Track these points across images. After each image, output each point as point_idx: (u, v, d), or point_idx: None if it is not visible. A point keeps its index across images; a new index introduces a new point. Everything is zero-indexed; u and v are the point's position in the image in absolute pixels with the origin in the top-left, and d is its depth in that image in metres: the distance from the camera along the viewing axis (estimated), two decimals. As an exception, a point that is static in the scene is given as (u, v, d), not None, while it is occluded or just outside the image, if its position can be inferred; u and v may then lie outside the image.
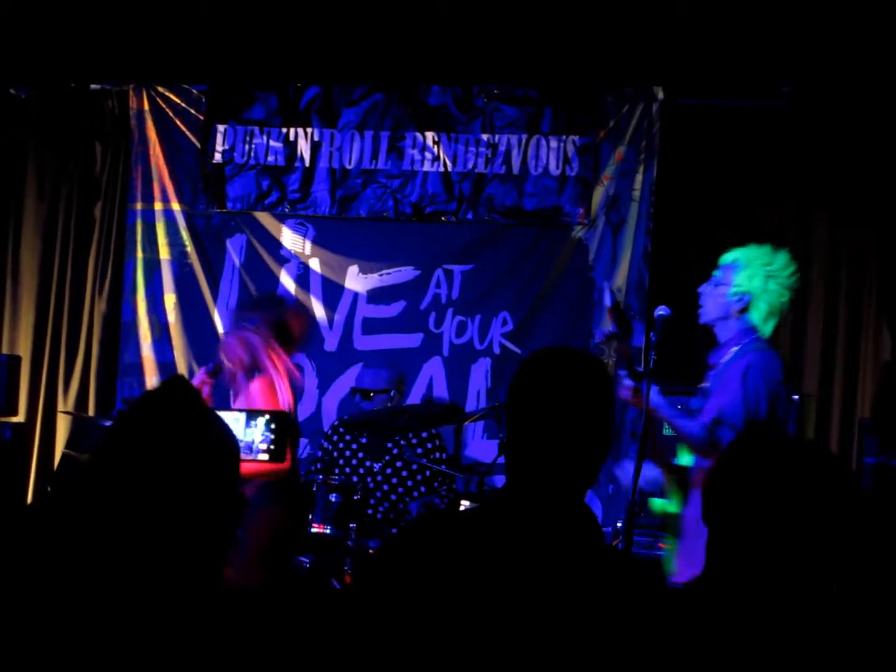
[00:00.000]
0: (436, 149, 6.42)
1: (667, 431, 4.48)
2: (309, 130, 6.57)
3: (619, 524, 4.75)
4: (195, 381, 4.55)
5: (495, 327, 6.35)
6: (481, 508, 2.00)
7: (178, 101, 6.71)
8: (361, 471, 5.20)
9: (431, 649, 1.77)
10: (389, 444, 5.22)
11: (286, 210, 6.60)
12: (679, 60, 5.93)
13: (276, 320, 4.51)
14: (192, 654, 1.70)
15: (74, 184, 6.88)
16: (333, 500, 4.64)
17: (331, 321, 6.52)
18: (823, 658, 1.85)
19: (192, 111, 6.70)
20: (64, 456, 5.80)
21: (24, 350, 6.78)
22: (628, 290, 6.13)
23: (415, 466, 5.16)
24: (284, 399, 4.40)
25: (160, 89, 6.72)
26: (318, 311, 6.52)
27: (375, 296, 6.49)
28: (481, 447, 6.16)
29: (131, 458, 1.77)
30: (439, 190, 6.42)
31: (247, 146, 6.61)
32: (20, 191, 6.93)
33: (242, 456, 2.36)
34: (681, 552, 3.73)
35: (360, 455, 5.24)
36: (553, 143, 6.29)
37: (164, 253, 6.71)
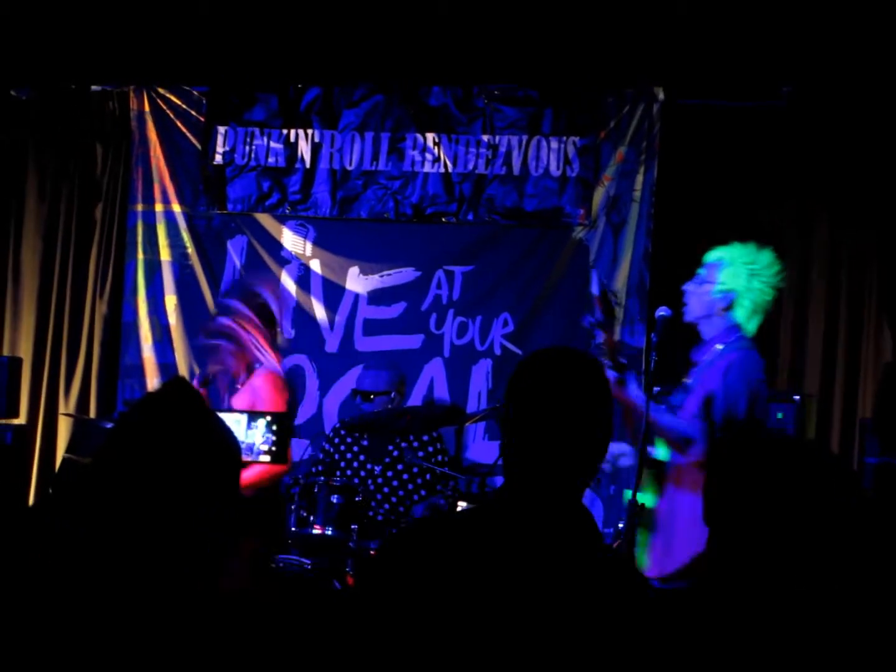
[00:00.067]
0: (436, 150, 6.42)
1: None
2: (309, 132, 6.56)
3: (620, 525, 4.75)
4: None
5: (496, 328, 6.35)
6: (479, 509, 2.01)
7: (178, 102, 6.71)
8: (363, 473, 5.19)
9: (431, 649, 1.77)
10: (390, 447, 5.22)
11: (287, 211, 6.60)
12: (679, 61, 5.93)
13: (256, 303, 4.60)
14: (192, 654, 1.70)
15: (75, 185, 6.88)
16: (335, 501, 4.64)
17: (332, 322, 6.51)
18: (824, 658, 1.85)
19: (193, 112, 6.70)
20: (65, 459, 5.80)
21: (25, 352, 6.78)
22: (629, 291, 6.12)
23: (416, 469, 5.16)
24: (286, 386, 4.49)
25: (161, 91, 6.72)
26: (319, 312, 6.52)
27: (376, 297, 6.48)
28: (482, 448, 6.16)
29: (132, 460, 1.78)
30: (440, 191, 6.41)
31: (247, 147, 6.61)
32: (21, 192, 6.94)
33: (243, 457, 2.36)
34: (654, 546, 3.73)
35: (362, 457, 5.24)
36: (554, 144, 6.28)
37: (165, 254, 6.70)
